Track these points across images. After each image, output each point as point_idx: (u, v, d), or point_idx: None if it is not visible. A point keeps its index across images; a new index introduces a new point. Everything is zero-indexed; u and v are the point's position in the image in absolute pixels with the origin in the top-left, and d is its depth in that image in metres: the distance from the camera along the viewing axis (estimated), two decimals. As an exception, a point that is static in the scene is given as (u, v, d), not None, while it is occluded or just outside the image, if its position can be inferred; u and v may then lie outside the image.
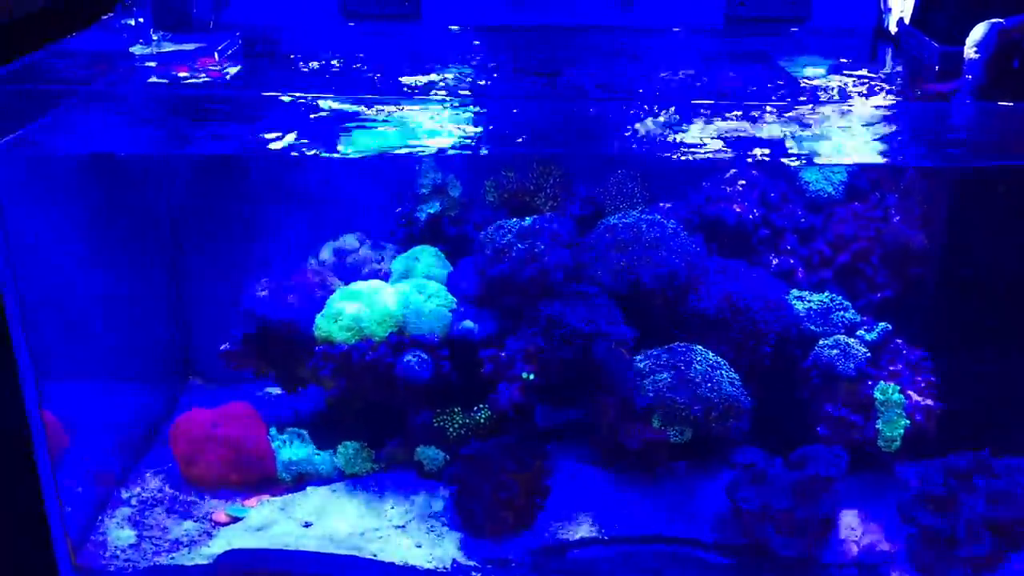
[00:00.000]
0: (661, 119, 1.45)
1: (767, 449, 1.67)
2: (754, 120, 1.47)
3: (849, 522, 1.63)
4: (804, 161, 1.73)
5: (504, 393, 1.60)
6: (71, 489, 1.54)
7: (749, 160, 1.72)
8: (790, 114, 1.46)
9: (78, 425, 1.67)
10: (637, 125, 1.46)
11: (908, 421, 1.61)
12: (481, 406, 1.69)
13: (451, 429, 1.68)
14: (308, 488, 1.66)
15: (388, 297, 1.66)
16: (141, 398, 1.82)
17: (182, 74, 1.53)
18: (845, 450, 1.63)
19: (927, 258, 1.75)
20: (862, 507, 1.66)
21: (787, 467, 1.60)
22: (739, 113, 1.46)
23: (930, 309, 1.76)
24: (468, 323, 1.69)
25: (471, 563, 1.54)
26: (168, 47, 1.63)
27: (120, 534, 1.53)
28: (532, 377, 1.60)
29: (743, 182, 1.80)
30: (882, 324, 1.70)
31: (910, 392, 1.64)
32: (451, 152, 1.50)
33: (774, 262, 1.77)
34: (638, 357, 1.64)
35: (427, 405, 1.69)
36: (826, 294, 1.74)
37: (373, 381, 1.62)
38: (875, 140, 1.50)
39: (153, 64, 1.58)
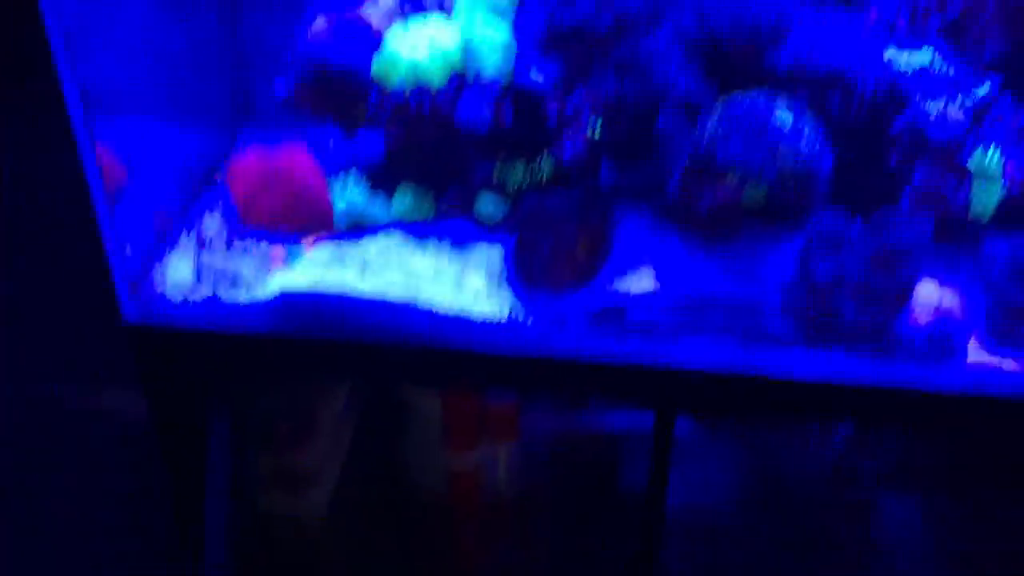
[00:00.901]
0: None
1: (849, 215, 1.58)
2: None
3: (928, 293, 1.54)
4: None
5: (567, 146, 1.51)
6: (129, 225, 1.54)
7: None
8: None
9: (136, 163, 1.65)
10: None
11: (1003, 191, 1.49)
12: (544, 159, 1.62)
13: (512, 181, 1.61)
14: (365, 234, 1.63)
15: (449, 40, 1.56)
16: (198, 138, 1.78)
17: None
18: (931, 219, 1.54)
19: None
20: (944, 277, 1.57)
21: (865, 234, 1.51)
22: None
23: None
24: (533, 71, 1.58)
25: (527, 317, 1.51)
26: None
27: (178, 271, 1.54)
28: (598, 131, 1.51)
29: (846, -81, 1.61)
30: (987, 84, 1.55)
31: (1010, 160, 1.51)
32: None
33: (873, 13, 1.61)
34: (712, 115, 1.53)
35: (488, 155, 1.62)
36: (928, 51, 1.57)
37: (431, 127, 1.55)
38: None
39: None
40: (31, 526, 2.07)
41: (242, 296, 1.50)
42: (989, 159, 1.49)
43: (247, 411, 1.74)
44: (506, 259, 1.57)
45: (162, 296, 1.51)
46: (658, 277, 1.58)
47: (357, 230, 1.64)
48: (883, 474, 2.17)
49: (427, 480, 2.04)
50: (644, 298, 1.54)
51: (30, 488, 2.06)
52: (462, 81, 1.56)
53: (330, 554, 1.98)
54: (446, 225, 1.66)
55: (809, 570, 2.11)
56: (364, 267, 1.57)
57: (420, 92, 1.53)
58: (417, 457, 2.07)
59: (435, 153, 1.63)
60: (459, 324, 1.50)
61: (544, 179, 1.62)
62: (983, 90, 1.54)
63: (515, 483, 2.05)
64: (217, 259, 1.56)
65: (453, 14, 1.63)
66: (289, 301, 1.49)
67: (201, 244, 1.58)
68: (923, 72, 1.55)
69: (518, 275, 1.56)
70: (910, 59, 1.57)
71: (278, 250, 1.58)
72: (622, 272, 1.59)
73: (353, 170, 1.69)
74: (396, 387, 1.85)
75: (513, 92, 1.58)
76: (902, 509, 2.23)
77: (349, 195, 1.64)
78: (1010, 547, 2.06)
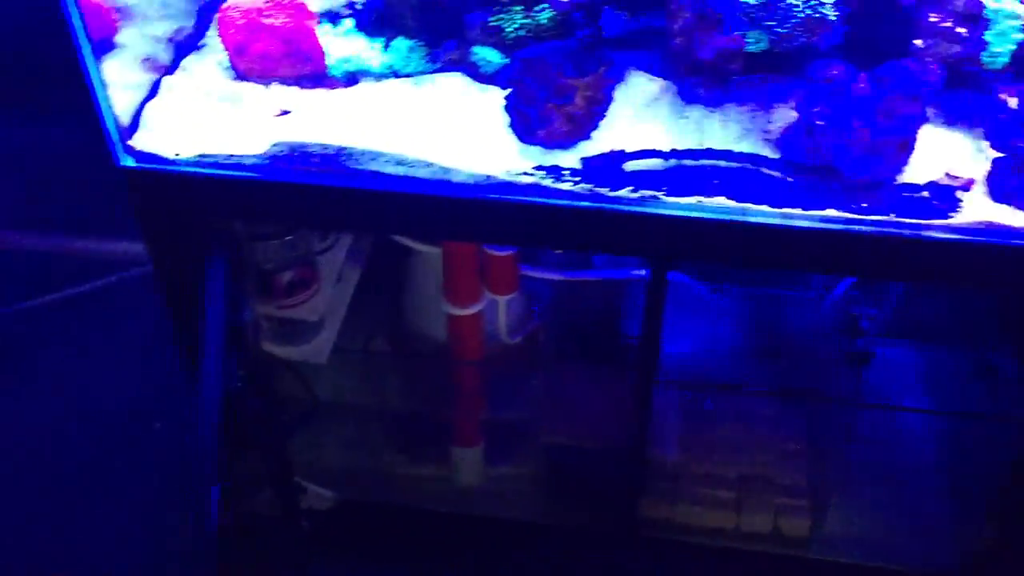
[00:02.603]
0: None
1: (860, 65, 1.53)
2: None
3: (933, 144, 1.51)
4: None
5: (565, -12, 1.47)
6: (120, 75, 1.52)
7: None
8: None
9: (128, 12, 1.61)
10: None
11: (1022, 35, 1.43)
12: (543, 6, 1.56)
13: (509, 29, 1.56)
14: (361, 84, 1.60)
15: None
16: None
17: None
18: (941, 66, 1.49)
19: None
20: (952, 127, 1.54)
21: (869, 83, 1.47)
22: None
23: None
24: (531, -92, 1.52)
25: (523, 167, 1.50)
26: None
27: (171, 122, 1.52)
28: (597, -28, 1.45)
29: None
30: (1009, -80, 1.47)
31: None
32: None
33: None
34: (717, -49, 1.46)
35: (484, 2, 1.57)
36: None
37: (425, -30, 1.51)
38: None
39: None
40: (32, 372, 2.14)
41: (233, 146, 1.49)
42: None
43: (249, 260, 1.75)
44: (502, 111, 1.55)
45: (154, 143, 1.51)
46: (656, 130, 1.55)
47: (353, 79, 1.61)
48: (881, 325, 2.18)
49: (429, 329, 2.08)
50: (642, 151, 1.53)
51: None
52: (456, -79, 1.50)
53: (330, 402, 2.05)
54: (443, 76, 1.63)
55: (803, 418, 2.17)
56: (359, 117, 1.55)
57: (412, -67, 1.48)
58: (419, 306, 2.09)
59: (429, 2, 1.58)
60: (456, 175, 1.49)
61: (543, 26, 1.57)
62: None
63: (515, 333, 2.09)
64: (209, 107, 1.54)
65: None
66: (283, 150, 1.48)
67: (195, 93, 1.56)
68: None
69: (515, 126, 1.54)
70: None
71: (271, 100, 1.56)
72: (621, 124, 1.56)
73: (350, 19, 1.65)
74: (398, 236, 1.85)
75: (510, -67, 1.53)
76: (900, 360, 2.26)
77: (345, 45, 1.60)
78: (1005, 400, 2.09)
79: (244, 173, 1.48)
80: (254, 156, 1.49)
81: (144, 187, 1.50)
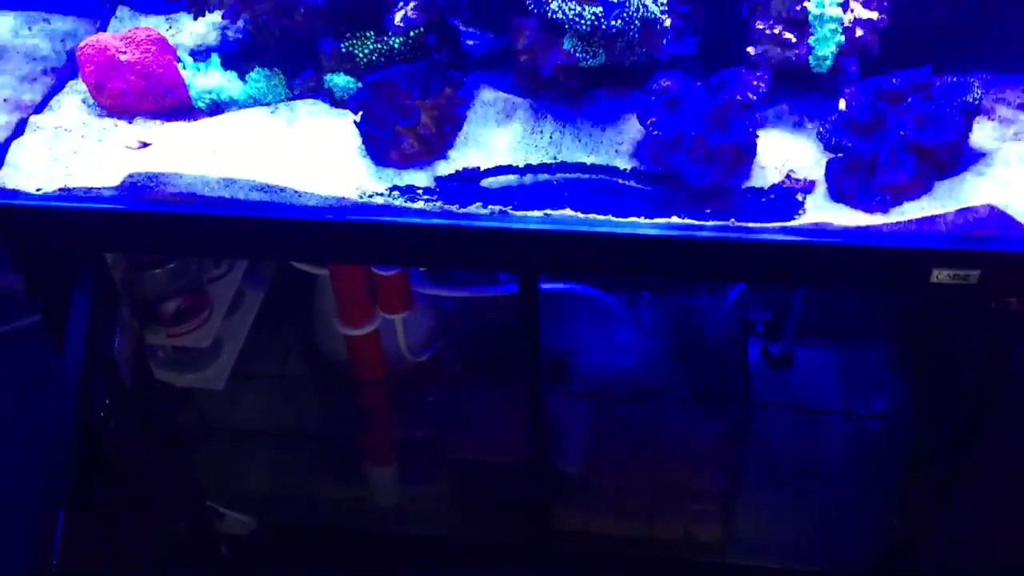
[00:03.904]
0: None
1: (705, 76, 1.56)
2: None
3: (776, 148, 1.54)
4: None
5: (398, 12, 1.50)
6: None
7: None
8: None
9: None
10: None
11: (843, 37, 1.46)
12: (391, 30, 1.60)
13: (361, 55, 1.60)
14: (223, 115, 1.64)
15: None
16: (66, 26, 1.79)
17: None
18: (782, 72, 1.52)
19: None
20: (790, 131, 1.57)
21: (705, 92, 1.50)
22: None
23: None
24: (373, -64, 1.56)
25: (376, 188, 1.53)
26: None
27: (34, 159, 1.56)
28: (434, -6, 1.49)
29: None
30: (831, -73, 1.50)
31: (854, 3, 1.47)
32: None
33: None
34: (545, -30, 1.50)
35: (336, 30, 1.61)
36: None
37: (268, 2, 1.54)
38: None
39: None
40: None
41: (96, 178, 1.53)
42: (828, 3, 1.45)
43: (135, 290, 1.79)
44: (356, 134, 1.58)
45: (16, 180, 1.55)
46: (508, 146, 1.58)
47: (215, 111, 1.65)
48: (790, 328, 2.20)
49: (331, 351, 2.11)
50: (495, 168, 1.56)
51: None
52: (299, -48, 1.54)
53: (237, 424, 2.08)
54: (301, 103, 1.67)
55: (712, 422, 2.18)
56: (218, 146, 1.59)
57: (256, -34, 1.52)
58: (321, 329, 2.13)
59: (284, 31, 1.62)
60: (309, 197, 1.52)
61: (395, 50, 1.61)
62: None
63: (419, 352, 2.12)
64: (72, 144, 1.58)
65: None
66: (140, 181, 1.51)
67: (57, 131, 1.61)
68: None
69: (368, 148, 1.57)
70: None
71: (132, 135, 1.60)
72: (474, 142, 1.59)
73: (211, 53, 1.69)
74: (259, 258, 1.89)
75: (354, -39, 1.57)
76: (803, 360, 2.27)
77: (204, 77, 1.64)
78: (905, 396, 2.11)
79: (103, 205, 1.52)
80: (111, 188, 1.53)
81: (8, 223, 1.54)
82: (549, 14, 1.47)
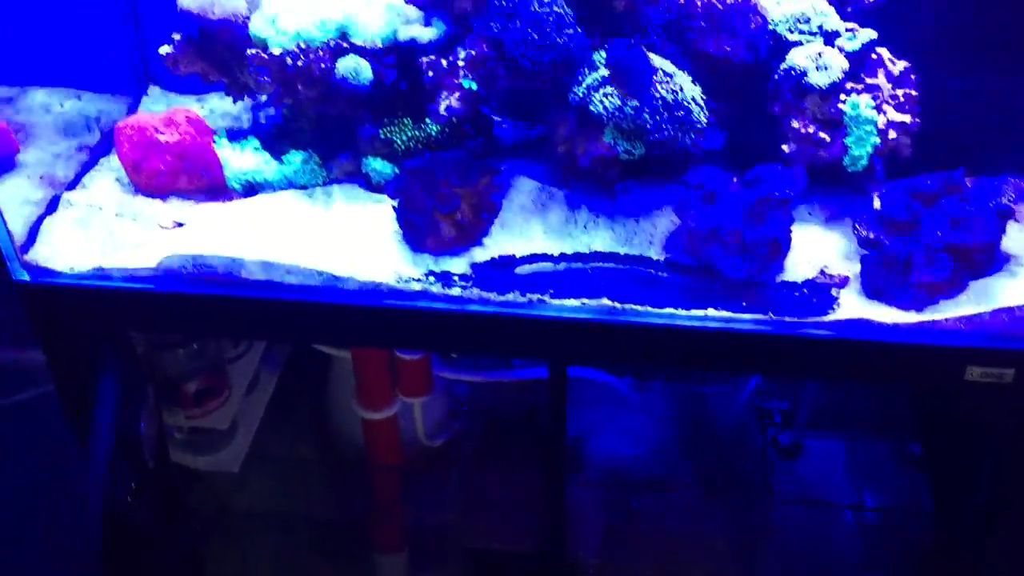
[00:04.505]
0: None
1: (737, 170, 1.59)
2: None
3: (808, 244, 1.56)
4: None
5: (443, 102, 1.52)
6: (18, 193, 1.56)
7: None
8: None
9: (32, 131, 1.67)
10: None
11: (878, 139, 1.50)
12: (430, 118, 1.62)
13: (399, 141, 1.62)
14: (257, 197, 1.64)
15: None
16: (98, 105, 1.80)
17: None
18: (813, 170, 1.55)
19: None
20: (824, 227, 1.59)
21: (741, 187, 1.52)
22: None
23: (926, 15, 1.59)
24: (416, 28, 1.58)
25: (413, 274, 1.53)
26: None
27: (68, 236, 1.56)
28: (474, 87, 1.51)
29: None
30: (867, 32, 1.54)
31: (887, 107, 1.51)
32: None
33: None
34: (587, 67, 1.53)
35: (375, 117, 1.63)
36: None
37: (311, 88, 1.55)
38: None
39: None
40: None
41: (131, 258, 1.52)
42: (863, 106, 1.49)
43: (157, 370, 1.77)
44: (393, 220, 1.59)
45: (50, 258, 1.54)
46: (544, 234, 1.60)
47: (250, 192, 1.66)
48: (802, 419, 2.20)
49: (347, 434, 2.08)
50: (531, 256, 1.57)
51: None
52: (342, 40, 1.56)
53: (246, 508, 2.03)
54: (337, 187, 1.67)
55: (726, 512, 2.16)
56: (255, 228, 1.59)
57: (297, 52, 1.54)
58: (337, 412, 2.10)
59: (322, 116, 1.64)
60: (348, 282, 1.52)
61: (432, 137, 1.63)
62: (862, 38, 1.54)
63: (435, 436, 2.09)
64: (106, 223, 1.58)
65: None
66: (177, 263, 1.51)
67: (92, 209, 1.60)
68: (802, 18, 1.55)
69: (405, 235, 1.58)
70: (790, 7, 1.57)
71: (167, 215, 1.60)
72: (510, 230, 1.61)
73: (248, 134, 1.70)
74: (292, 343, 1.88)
75: (396, 51, 1.59)
76: (825, 453, 2.27)
77: (241, 158, 1.65)
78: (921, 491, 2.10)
79: (137, 285, 1.51)
80: (147, 268, 1.52)
81: (39, 301, 1.52)
82: (590, 107, 1.50)
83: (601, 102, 1.50)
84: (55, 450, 1.73)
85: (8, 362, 1.81)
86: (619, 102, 1.49)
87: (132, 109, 1.85)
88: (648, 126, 1.48)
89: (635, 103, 1.48)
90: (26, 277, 1.52)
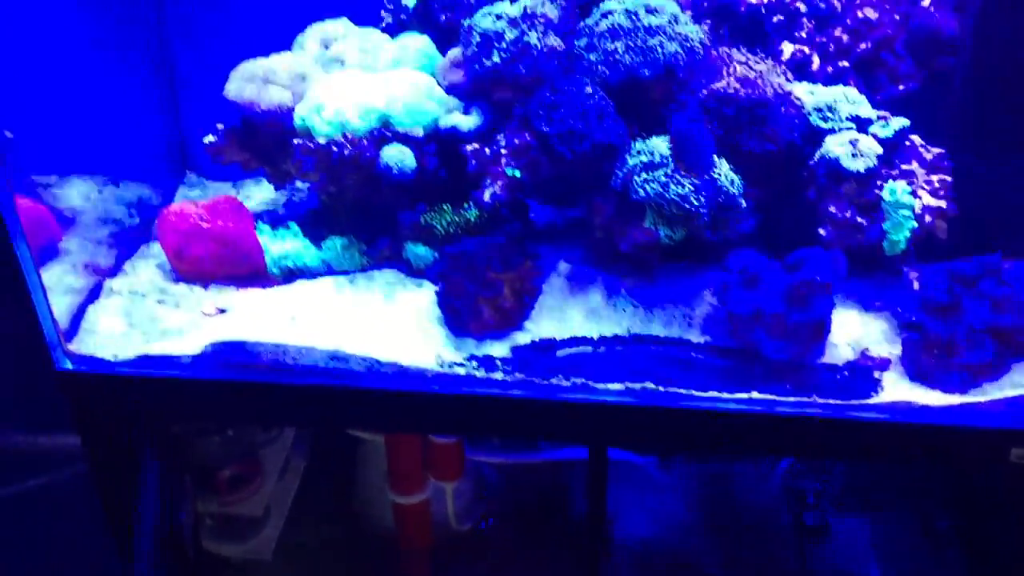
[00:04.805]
0: None
1: (770, 252, 1.61)
2: None
3: (848, 326, 1.57)
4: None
5: (487, 189, 1.54)
6: (63, 280, 1.57)
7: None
8: None
9: (73, 218, 1.68)
10: None
11: (915, 223, 1.52)
12: (471, 204, 1.64)
13: (440, 227, 1.64)
14: (297, 282, 1.66)
15: (372, 89, 1.59)
16: (138, 191, 1.82)
17: None
18: (849, 253, 1.57)
19: (958, 47, 1.60)
20: (863, 310, 1.61)
21: (782, 270, 1.54)
22: None
23: (956, 103, 1.63)
24: (456, 117, 1.62)
25: (456, 359, 1.53)
26: None
27: (110, 323, 1.56)
28: (518, 174, 1.53)
29: (760, -38, 1.65)
30: (899, 119, 1.58)
31: (922, 192, 1.54)
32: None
33: (787, 51, 1.64)
34: (628, 154, 1.56)
35: (415, 202, 1.65)
36: (840, 87, 1.61)
37: (355, 176, 1.58)
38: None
39: None
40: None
41: (173, 348, 1.53)
42: (900, 191, 1.52)
43: (191, 457, 1.76)
44: (434, 304, 1.60)
45: (93, 346, 1.54)
46: (584, 318, 1.61)
47: (290, 278, 1.67)
48: (829, 498, 2.19)
49: (376, 519, 2.06)
50: (571, 339, 1.57)
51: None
52: (385, 130, 1.59)
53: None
54: (377, 272, 1.69)
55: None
56: (296, 314, 1.60)
57: (342, 141, 1.56)
58: (366, 496, 2.08)
59: (362, 202, 1.66)
60: (390, 367, 1.53)
61: (472, 223, 1.65)
62: (895, 125, 1.58)
63: (465, 519, 2.07)
64: (149, 310, 1.58)
65: (377, 68, 1.67)
66: (220, 350, 1.51)
67: (134, 296, 1.61)
68: (835, 107, 1.59)
69: (447, 319, 1.59)
70: (823, 95, 1.61)
71: (209, 301, 1.61)
72: (550, 313, 1.62)
73: (287, 220, 1.72)
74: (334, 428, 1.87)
75: (438, 140, 1.62)
76: (852, 532, 2.25)
77: (281, 244, 1.67)
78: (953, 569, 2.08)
79: (181, 373, 1.51)
80: (191, 356, 1.52)
81: (82, 390, 1.52)
82: (632, 193, 1.53)
83: (644, 187, 1.52)
84: (86, 534, 1.70)
85: (37, 446, 1.79)
86: (661, 188, 1.51)
87: (169, 196, 1.87)
88: (692, 209, 1.51)
89: (680, 189, 1.50)
90: (69, 366, 1.52)
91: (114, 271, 1.67)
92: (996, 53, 1.59)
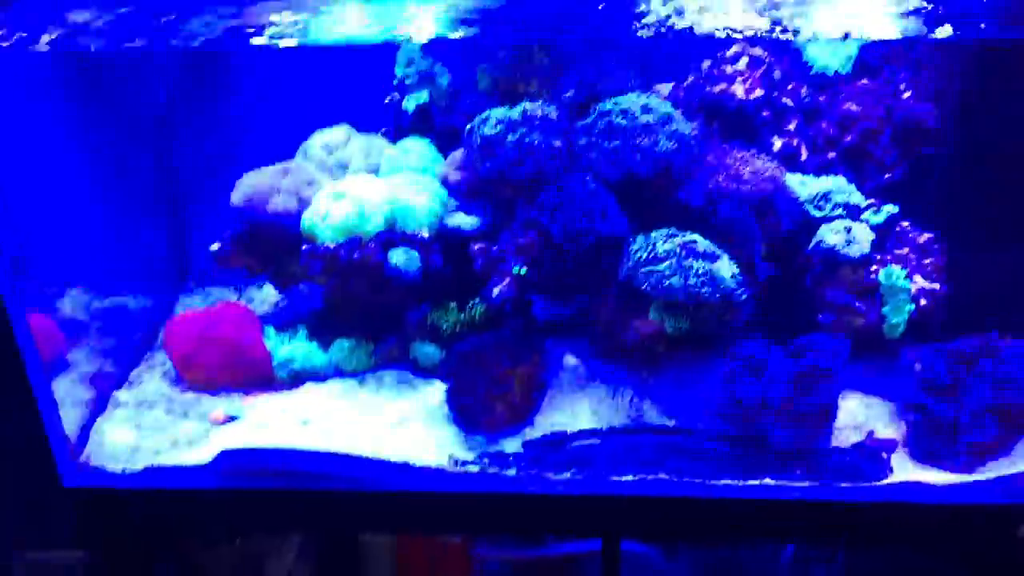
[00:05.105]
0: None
1: (771, 338, 1.64)
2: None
3: (851, 409, 1.60)
4: (810, 37, 1.65)
5: (495, 287, 1.57)
6: (70, 393, 1.56)
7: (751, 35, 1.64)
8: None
9: (76, 330, 1.67)
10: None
11: (913, 306, 1.57)
12: (476, 301, 1.66)
13: (446, 325, 1.66)
14: (305, 385, 1.66)
15: (376, 192, 1.63)
16: (140, 300, 1.82)
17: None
18: (848, 337, 1.60)
19: (940, 137, 1.67)
20: (866, 393, 1.64)
21: (786, 357, 1.57)
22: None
23: (941, 190, 1.69)
24: (460, 217, 1.65)
25: (468, 457, 1.54)
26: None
27: (119, 435, 1.55)
28: (524, 271, 1.56)
29: (746, 60, 1.72)
30: (889, 206, 1.64)
31: (916, 276, 1.59)
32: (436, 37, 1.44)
33: (777, 145, 1.70)
34: (632, 247, 1.59)
35: (421, 302, 1.67)
36: (830, 177, 1.67)
37: (363, 279, 1.60)
38: (885, 13, 1.42)
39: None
40: None
41: (183, 458, 1.51)
42: (896, 275, 1.56)
43: (198, 567, 1.72)
44: (443, 403, 1.61)
45: (102, 459, 1.52)
46: (592, 410, 1.62)
47: (298, 381, 1.67)
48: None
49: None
50: (581, 432, 1.58)
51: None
52: (391, 232, 1.62)
53: None
54: (385, 372, 1.70)
55: None
56: (305, 418, 1.59)
57: (350, 245, 1.59)
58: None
59: (369, 303, 1.67)
60: (403, 468, 1.52)
61: (477, 320, 1.67)
62: (886, 211, 1.63)
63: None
64: (157, 421, 1.57)
65: (379, 171, 1.71)
66: (231, 458, 1.50)
67: (141, 406, 1.60)
68: (828, 196, 1.64)
69: (457, 417, 1.59)
70: (815, 186, 1.66)
71: (218, 409, 1.60)
72: (558, 407, 1.63)
73: (292, 323, 1.73)
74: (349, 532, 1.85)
75: (442, 240, 1.65)
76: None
77: (288, 347, 1.67)
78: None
79: (191, 483, 1.50)
80: (201, 466, 1.50)
81: (91, 506, 1.50)
82: (634, 283, 1.56)
83: (650, 279, 1.55)
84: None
85: (44, 561, 1.75)
86: (665, 283, 1.54)
87: (172, 304, 1.87)
88: (694, 304, 1.54)
89: (678, 280, 1.53)
90: (79, 482, 1.50)
91: (120, 382, 1.66)
92: (976, 139, 1.66)
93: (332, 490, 1.52)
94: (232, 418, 1.58)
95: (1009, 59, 1.57)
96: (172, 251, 1.91)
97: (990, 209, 1.63)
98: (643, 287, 1.56)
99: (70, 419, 1.52)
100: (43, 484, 1.52)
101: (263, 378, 1.65)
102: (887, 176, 1.69)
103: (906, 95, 1.67)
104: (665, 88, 1.76)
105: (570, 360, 1.69)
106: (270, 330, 1.69)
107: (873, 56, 1.73)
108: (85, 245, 1.69)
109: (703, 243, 1.57)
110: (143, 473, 1.50)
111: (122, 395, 1.62)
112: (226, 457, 1.51)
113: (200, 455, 1.52)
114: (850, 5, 1.43)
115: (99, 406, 1.61)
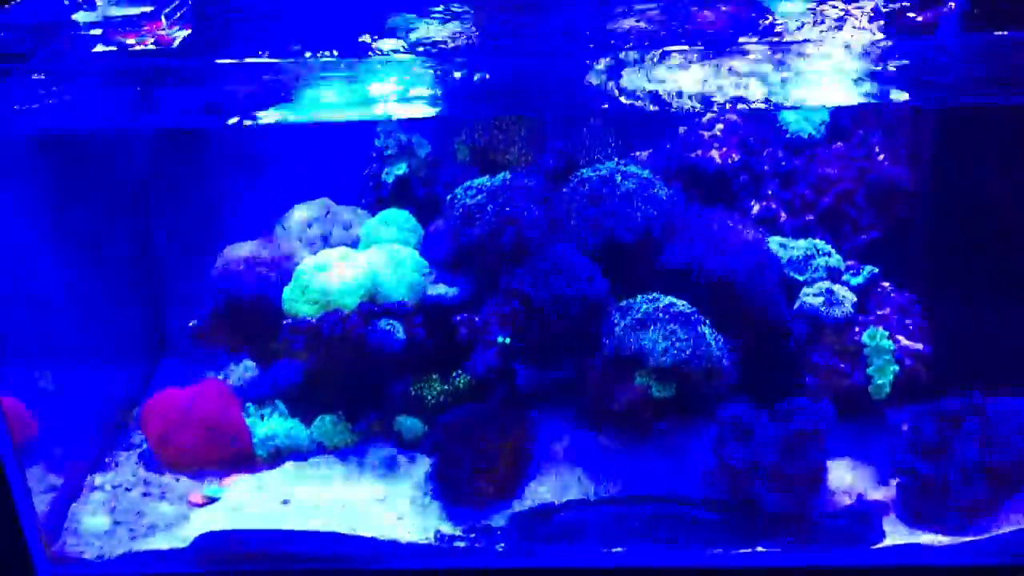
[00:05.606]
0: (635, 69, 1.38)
1: (756, 401, 1.63)
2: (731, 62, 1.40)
3: (840, 472, 1.59)
4: (783, 103, 1.67)
5: (480, 358, 1.55)
6: (42, 477, 1.51)
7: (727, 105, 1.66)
8: (766, 55, 1.40)
9: (47, 411, 1.63)
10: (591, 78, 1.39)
11: (897, 367, 1.57)
12: (459, 372, 1.64)
13: (429, 397, 1.64)
14: (287, 463, 1.62)
15: (357, 265, 1.61)
16: (114, 378, 1.77)
17: (129, 41, 1.47)
18: (834, 399, 1.60)
19: (914, 197, 1.70)
20: (853, 455, 1.63)
21: (773, 421, 1.56)
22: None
23: (918, 249, 1.71)
24: (441, 288, 1.64)
25: (455, 532, 1.50)
26: (114, 11, 1.56)
27: (95, 521, 1.50)
28: (508, 341, 1.55)
29: (721, 127, 1.74)
30: (868, 268, 1.65)
31: (899, 336, 1.60)
32: (414, 115, 1.44)
33: (755, 208, 1.72)
34: (616, 314, 1.59)
35: (404, 374, 1.65)
36: (809, 239, 1.68)
37: (346, 352, 1.57)
38: (856, 79, 1.44)
39: (99, 32, 1.50)
40: None
41: (161, 543, 1.47)
42: (880, 336, 1.57)
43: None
44: (429, 477, 1.58)
45: (78, 546, 1.47)
46: (580, 480, 1.60)
47: (278, 459, 1.63)
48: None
49: None
50: (569, 503, 1.56)
51: None
52: (372, 304, 1.60)
53: None
54: (368, 447, 1.66)
55: None
56: (287, 498, 1.55)
57: (332, 318, 1.57)
58: None
59: (351, 377, 1.65)
60: (389, 546, 1.49)
61: (461, 390, 1.65)
62: (866, 272, 1.64)
63: None
64: (134, 504, 1.53)
65: (360, 244, 1.70)
66: (211, 542, 1.46)
67: (117, 489, 1.55)
68: (807, 260, 1.65)
69: (443, 491, 1.56)
70: (796, 248, 1.67)
71: (197, 491, 1.56)
72: (546, 478, 1.60)
73: (272, 399, 1.70)
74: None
75: (424, 311, 1.63)
76: None
77: (268, 425, 1.64)
78: None
79: (170, 569, 1.45)
80: (180, 550, 1.46)
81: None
82: (623, 351, 1.55)
83: (636, 343, 1.54)
84: None
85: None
86: (649, 348, 1.54)
87: (149, 380, 1.83)
88: (680, 369, 1.53)
89: (666, 344, 1.53)
90: (53, 573, 1.45)
91: (95, 465, 1.61)
92: (949, 199, 1.68)
93: (316, 570, 1.48)
94: (212, 499, 1.54)
95: (978, 120, 1.61)
96: (149, 326, 1.88)
97: (967, 268, 1.65)
98: (628, 354, 1.55)
99: (43, 506, 1.47)
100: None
101: (243, 456, 1.61)
102: (864, 237, 1.70)
103: (880, 157, 1.69)
104: (643, 154, 1.78)
105: (557, 429, 1.67)
106: (249, 407, 1.66)
107: (845, 119, 1.76)
108: (58, 322, 1.65)
109: (686, 308, 1.57)
110: (119, 560, 1.45)
111: (97, 478, 1.58)
112: (205, 541, 1.47)
113: (179, 539, 1.47)
114: (817, 71, 1.46)
115: (74, 491, 1.56)
